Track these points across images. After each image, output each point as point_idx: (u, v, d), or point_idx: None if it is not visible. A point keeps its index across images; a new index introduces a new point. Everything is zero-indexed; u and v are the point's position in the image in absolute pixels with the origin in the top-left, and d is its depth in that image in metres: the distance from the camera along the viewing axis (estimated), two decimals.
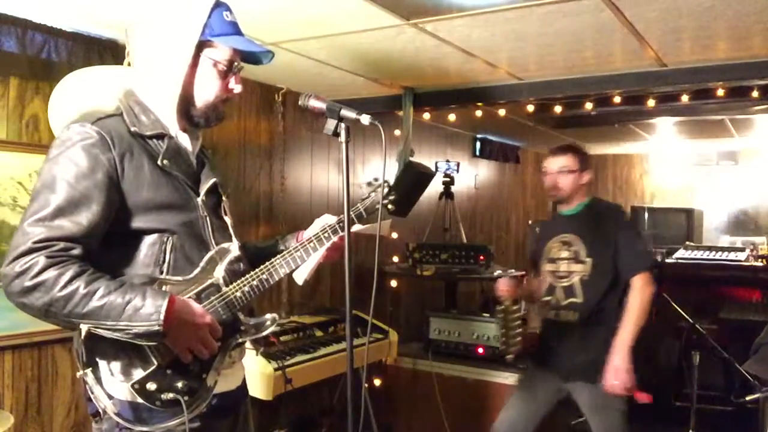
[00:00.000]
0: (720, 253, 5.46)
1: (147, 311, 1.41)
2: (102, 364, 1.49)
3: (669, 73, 3.38)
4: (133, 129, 1.54)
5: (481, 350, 3.86)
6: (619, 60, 3.26)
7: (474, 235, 6.03)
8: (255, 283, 1.63)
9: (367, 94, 4.10)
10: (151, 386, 1.49)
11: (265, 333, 1.67)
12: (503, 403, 3.61)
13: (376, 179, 1.88)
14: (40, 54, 2.69)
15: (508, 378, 3.70)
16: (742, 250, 5.51)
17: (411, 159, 4.06)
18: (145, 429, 1.50)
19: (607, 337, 2.83)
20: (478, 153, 6.36)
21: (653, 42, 2.94)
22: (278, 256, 1.67)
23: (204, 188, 1.64)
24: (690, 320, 4.33)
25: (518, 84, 3.76)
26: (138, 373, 1.50)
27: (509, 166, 7.08)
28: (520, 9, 2.52)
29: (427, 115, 4.88)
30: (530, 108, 4.76)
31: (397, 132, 4.25)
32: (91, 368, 1.47)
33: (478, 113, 4.72)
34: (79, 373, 1.49)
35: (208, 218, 1.63)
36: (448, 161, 5.46)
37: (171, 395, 1.50)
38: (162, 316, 1.41)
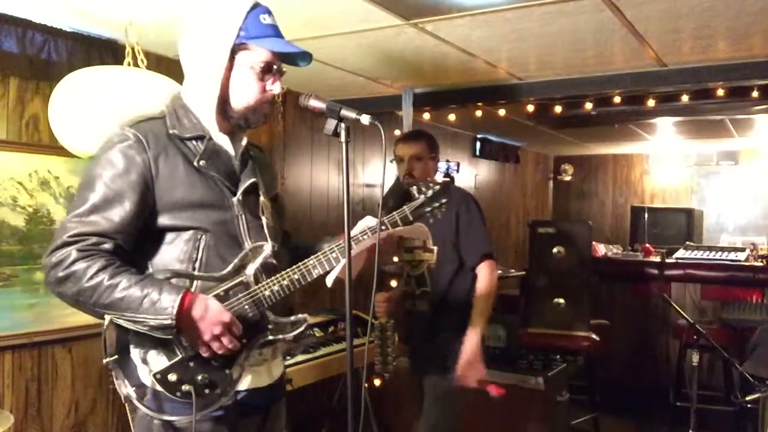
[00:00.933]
0: (720, 253, 5.46)
1: (162, 305, 1.46)
2: (127, 352, 1.56)
3: (669, 73, 3.38)
4: (171, 131, 1.60)
5: None
6: (619, 60, 3.26)
7: None
8: (285, 282, 1.63)
9: (367, 94, 4.10)
10: (173, 377, 1.54)
11: (294, 333, 1.66)
12: (503, 403, 3.61)
13: (431, 181, 1.86)
14: (40, 54, 2.69)
15: (508, 378, 3.69)
16: (742, 250, 5.50)
17: None
18: (167, 418, 1.56)
19: (457, 326, 2.79)
20: (478, 153, 6.36)
21: (653, 42, 2.94)
22: (312, 256, 1.67)
23: (241, 188, 1.66)
24: (690, 320, 4.33)
25: (518, 84, 3.76)
26: (162, 364, 1.55)
27: (509, 166, 7.08)
28: (520, 9, 2.52)
29: (427, 115, 4.88)
30: (530, 108, 4.76)
31: (397, 132, 4.24)
32: (116, 356, 1.55)
33: (478, 113, 4.72)
34: (105, 360, 1.56)
35: (243, 217, 1.65)
36: (448, 161, 5.46)
37: (190, 387, 1.54)
38: (174, 311, 1.46)
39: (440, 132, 5.79)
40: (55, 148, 2.69)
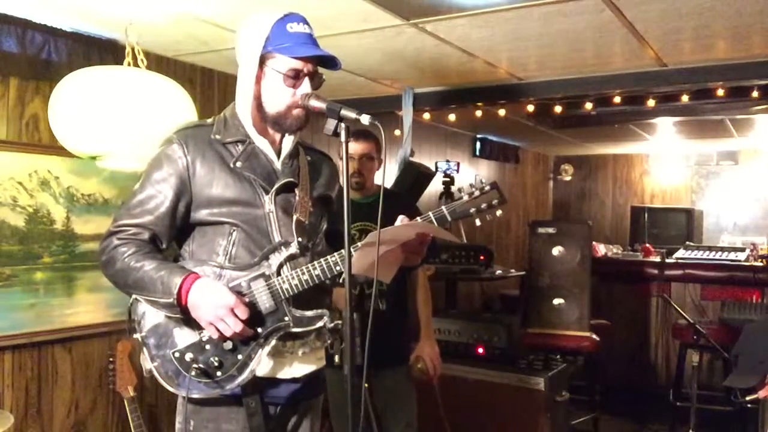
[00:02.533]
0: (720, 253, 5.46)
1: (167, 285, 1.60)
2: (155, 329, 1.70)
3: (669, 73, 3.39)
4: (214, 137, 1.74)
5: (481, 350, 3.86)
6: (619, 60, 3.26)
7: (474, 235, 6.03)
8: (305, 277, 1.68)
9: (367, 94, 4.10)
10: (189, 356, 1.67)
11: (311, 328, 1.72)
12: (503, 403, 3.61)
13: (481, 180, 1.78)
14: (40, 54, 2.69)
15: (508, 378, 3.70)
16: (742, 250, 5.51)
17: (411, 159, 4.06)
18: (184, 394, 1.68)
19: (407, 321, 2.87)
20: (478, 153, 6.36)
21: (653, 42, 2.94)
22: (336, 253, 1.69)
23: (276, 186, 1.74)
24: (690, 320, 4.33)
25: (518, 84, 3.76)
26: (183, 342, 1.68)
27: (509, 166, 7.08)
28: (520, 9, 2.52)
29: (427, 115, 4.88)
30: (530, 108, 4.76)
31: (397, 132, 4.24)
32: (144, 333, 1.70)
33: (478, 113, 4.72)
34: (134, 336, 1.72)
35: (274, 214, 1.73)
36: (448, 161, 5.46)
37: (202, 367, 1.65)
38: (176, 290, 1.59)
39: (440, 132, 5.80)
40: (55, 148, 2.69)
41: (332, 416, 2.96)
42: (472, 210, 1.73)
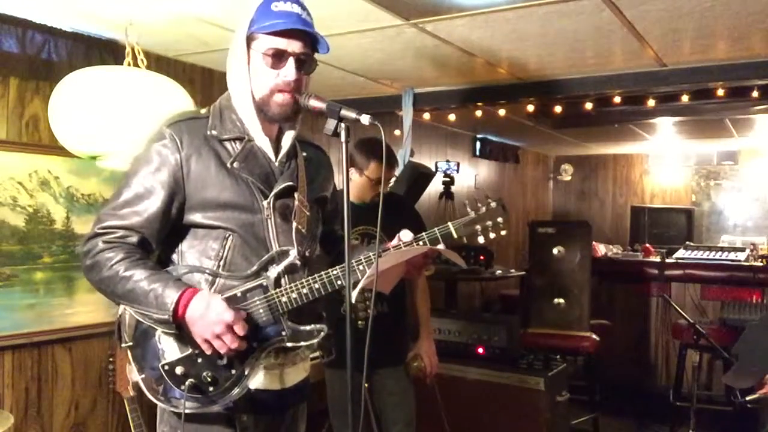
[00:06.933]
0: (720, 253, 5.46)
1: (162, 300, 1.51)
2: (144, 340, 1.61)
3: (669, 73, 3.39)
4: (210, 132, 1.63)
5: (481, 350, 3.86)
6: (619, 60, 3.26)
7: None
8: (305, 290, 1.61)
9: (367, 94, 4.10)
10: (179, 370, 1.58)
11: (308, 343, 1.65)
12: (503, 403, 3.61)
13: (486, 196, 1.70)
14: (40, 54, 2.70)
15: (508, 378, 3.70)
16: (742, 250, 5.51)
17: (411, 159, 4.06)
18: (172, 409, 1.60)
19: (406, 321, 2.90)
20: (478, 153, 6.36)
21: (653, 42, 2.94)
22: (338, 266, 1.62)
23: (274, 191, 1.65)
24: (690, 320, 4.33)
25: (518, 84, 3.76)
26: (173, 355, 1.59)
27: (509, 166, 7.08)
28: (520, 9, 2.52)
29: (427, 115, 4.88)
30: (530, 108, 4.76)
31: (397, 132, 4.24)
32: (132, 343, 1.62)
33: (478, 113, 4.72)
34: (122, 346, 1.65)
35: (272, 221, 1.64)
36: (448, 161, 5.47)
37: (194, 381, 1.57)
38: (172, 307, 1.50)
39: (440, 132, 5.80)
40: (55, 148, 2.69)
41: (332, 416, 2.96)
42: (478, 227, 1.69)
